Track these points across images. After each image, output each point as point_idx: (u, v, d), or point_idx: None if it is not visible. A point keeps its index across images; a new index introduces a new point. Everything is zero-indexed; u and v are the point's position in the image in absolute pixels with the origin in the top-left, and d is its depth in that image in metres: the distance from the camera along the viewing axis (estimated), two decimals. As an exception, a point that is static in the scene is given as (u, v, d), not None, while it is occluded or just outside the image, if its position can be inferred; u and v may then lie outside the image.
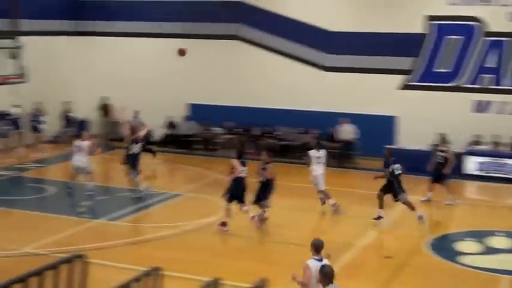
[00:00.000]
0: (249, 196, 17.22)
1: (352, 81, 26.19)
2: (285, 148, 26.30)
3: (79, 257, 5.14)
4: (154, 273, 6.61)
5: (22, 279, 4.31)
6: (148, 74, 29.09)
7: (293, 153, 25.88)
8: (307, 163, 19.15)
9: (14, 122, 26.23)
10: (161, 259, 12.75)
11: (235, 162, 16.98)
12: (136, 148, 19.89)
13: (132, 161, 19.90)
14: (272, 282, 10.24)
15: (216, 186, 21.63)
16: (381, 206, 17.68)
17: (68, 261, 4.88)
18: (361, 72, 26.16)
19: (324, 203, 18.93)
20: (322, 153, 18.94)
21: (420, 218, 17.44)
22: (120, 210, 18.62)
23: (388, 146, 22.81)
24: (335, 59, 26.66)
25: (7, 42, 21.35)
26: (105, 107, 28.79)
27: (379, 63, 25.95)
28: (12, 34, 21.63)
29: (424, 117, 25.05)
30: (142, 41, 29.28)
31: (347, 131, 25.39)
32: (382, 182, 17.91)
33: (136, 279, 5.71)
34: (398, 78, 25.79)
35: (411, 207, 17.61)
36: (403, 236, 17.08)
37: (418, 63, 25.65)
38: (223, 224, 16.77)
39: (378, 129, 25.23)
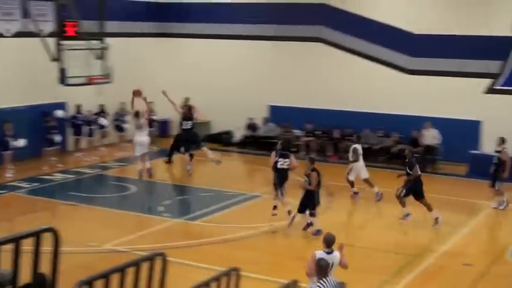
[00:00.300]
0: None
1: (436, 85, 25.68)
2: (365, 151, 25.97)
3: (160, 255, 5.19)
4: (233, 273, 6.63)
5: (104, 275, 4.38)
6: (230, 75, 29.30)
7: (373, 156, 25.59)
8: (355, 159, 20.42)
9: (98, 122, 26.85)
10: (239, 259, 12.80)
11: (273, 154, 17.77)
12: (188, 124, 22.45)
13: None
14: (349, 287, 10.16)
15: (294, 188, 21.61)
16: (404, 205, 17.89)
17: (149, 258, 4.94)
18: (445, 76, 25.61)
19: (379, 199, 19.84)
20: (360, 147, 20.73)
21: (436, 220, 17.49)
22: (199, 210, 18.81)
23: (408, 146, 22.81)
24: (419, 62, 26.20)
25: (94, 43, 21.87)
26: (186, 107, 29.07)
27: (464, 66, 25.36)
28: (98, 35, 22.15)
29: (510, 122, 24.30)
30: (224, 42, 29.51)
31: (431, 136, 24.92)
32: (402, 181, 18.03)
33: (216, 279, 5.74)
34: (484, 82, 25.12)
35: (429, 208, 17.70)
36: (486, 243, 16.68)
37: (505, 67, 24.95)
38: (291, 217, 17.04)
39: (461, 134, 24.63)
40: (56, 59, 20.47)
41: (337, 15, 27.43)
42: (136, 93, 21.88)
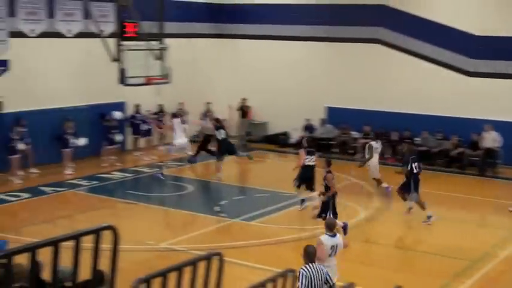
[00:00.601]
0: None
1: (497, 87, 25.17)
2: (424, 154, 25.66)
3: (216, 254, 5.21)
4: (289, 274, 6.61)
5: (162, 274, 4.41)
6: (288, 76, 29.27)
7: (432, 159, 25.27)
8: (370, 156, 20.74)
9: (158, 121, 27.13)
10: (294, 261, 12.77)
11: (301, 152, 18.55)
12: (222, 134, 22.45)
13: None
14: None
15: (351, 190, 21.49)
16: (423, 208, 18.02)
17: (206, 258, 4.96)
18: (507, 78, 25.09)
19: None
20: (379, 144, 21.28)
21: (428, 217, 17.64)
22: (255, 211, 18.84)
23: (408, 142, 22.68)
24: (479, 64, 25.74)
25: (153, 44, 22.14)
26: (244, 108, 29.24)
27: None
28: (158, 36, 22.41)
29: None
30: (282, 43, 29.51)
31: (491, 138, 24.40)
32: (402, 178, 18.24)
33: (272, 280, 5.73)
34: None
35: (422, 207, 17.89)
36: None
37: None
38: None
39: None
40: (116, 59, 20.77)
41: (395, 16, 27.14)
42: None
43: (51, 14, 23.61)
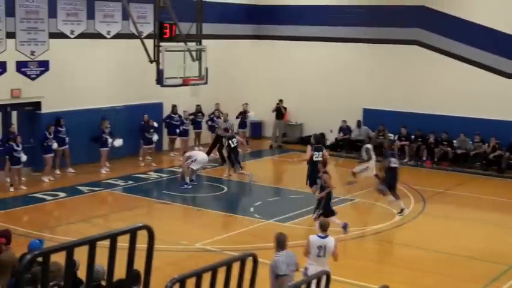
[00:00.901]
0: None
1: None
2: (460, 157, 25.44)
3: (251, 255, 5.22)
4: (323, 276, 6.61)
5: (196, 274, 4.44)
6: (324, 77, 29.18)
7: (469, 162, 25.03)
8: (368, 158, 21.29)
9: (194, 122, 27.25)
10: (328, 263, 12.75)
11: (308, 148, 19.01)
12: (234, 142, 22.45)
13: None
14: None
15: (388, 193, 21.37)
16: (397, 198, 18.48)
17: (240, 259, 4.97)
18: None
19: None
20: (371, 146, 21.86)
21: (401, 210, 18.26)
22: (289, 212, 18.82)
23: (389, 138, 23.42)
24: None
25: (191, 45, 22.28)
26: (280, 110, 29.25)
27: None
28: (196, 37, 22.55)
29: None
30: (320, 45, 29.41)
31: None
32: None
33: (306, 282, 5.73)
34: None
35: (397, 198, 18.46)
36: None
37: None
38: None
39: None
40: (154, 60, 20.93)
41: (435, 18, 26.89)
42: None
43: (91, 15, 23.90)
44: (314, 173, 18.05)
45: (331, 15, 29.10)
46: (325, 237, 11.35)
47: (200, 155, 22.21)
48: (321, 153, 18.72)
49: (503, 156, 24.54)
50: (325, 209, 16.23)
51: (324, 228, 11.45)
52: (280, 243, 10.47)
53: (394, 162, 18.76)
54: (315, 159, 18.48)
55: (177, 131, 26.52)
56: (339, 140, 28.22)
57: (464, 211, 19.56)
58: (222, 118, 26.45)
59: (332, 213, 16.28)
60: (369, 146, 21.84)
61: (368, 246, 16.22)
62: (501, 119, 25.06)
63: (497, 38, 25.57)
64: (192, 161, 21.47)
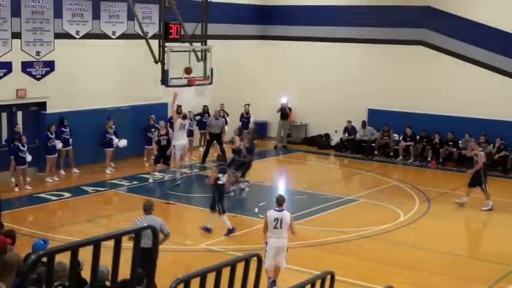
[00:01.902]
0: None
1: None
2: (465, 158, 25.36)
3: (255, 256, 5.23)
4: (328, 277, 6.59)
5: (201, 274, 4.45)
6: (329, 78, 29.17)
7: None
8: None
9: (199, 122, 27.24)
10: (333, 263, 12.78)
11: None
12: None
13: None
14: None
15: (392, 193, 21.37)
16: None
17: (244, 259, 4.98)
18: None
19: None
20: None
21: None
22: (294, 213, 18.78)
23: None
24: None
25: (196, 45, 22.29)
26: (285, 110, 29.25)
27: None
28: (201, 38, 22.56)
29: None
30: (326, 45, 29.39)
31: None
32: None
33: (310, 282, 5.72)
34: None
35: None
36: None
37: None
38: None
39: None
40: (159, 60, 20.94)
41: (441, 18, 26.85)
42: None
43: (96, 16, 23.93)
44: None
45: (337, 15, 29.08)
46: (281, 210, 12.92)
47: (179, 141, 22.16)
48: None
49: (508, 156, 24.51)
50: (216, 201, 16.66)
51: (279, 202, 13.04)
52: (145, 208, 12.15)
53: None
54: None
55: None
56: (344, 140, 28.19)
57: (469, 212, 19.52)
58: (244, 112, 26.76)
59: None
60: None
61: (373, 246, 16.20)
62: (506, 120, 25.02)
63: (503, 39, 25.52)
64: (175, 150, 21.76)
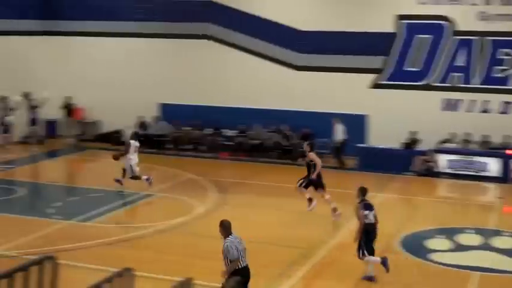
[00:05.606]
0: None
1: (324, 81, 26.24)
2: (256, 147, 26.29)
3: (49, 258, 5.08)
4: (126, 273, 6.57)
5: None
6: (120, 74, 28.89)
7: (264, 152, 25.97)
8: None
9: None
10: (132, 259, 12.69)
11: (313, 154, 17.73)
12: None
13: None
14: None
15: (187, 186, 21.61)
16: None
17: (38, 262, 4.82)
18: (332, 72, 26.24)
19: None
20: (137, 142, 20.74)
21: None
22: (90, 211, 18.46)
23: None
24: (306, 58, 26.72)
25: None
26: (69, 107, 28.66)
27: (350, 62, 26.06)
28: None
29: (395, 116, 25.13)
30: (114, 40, 29.09)
31: (339, 131, 24.88)
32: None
33: (108, 280, 5.67)
34: (369, 77, 25.92)
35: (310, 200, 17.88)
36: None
37: (388, 62, 25.81)
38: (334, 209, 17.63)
39: (350, 128, 25.04)
40: None
41: (224, 13, 27.60)
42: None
43: None
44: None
45: (123, 9, 28.96)
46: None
47: None
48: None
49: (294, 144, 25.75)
50: None
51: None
52: (226, 228, 10.90)
53: None
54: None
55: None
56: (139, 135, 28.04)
57: (261, 199, 20.18)
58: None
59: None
60: (132, 141, 20.75)
61: (171, 240, 16.28)
62: (293, 109, 26.30)
63: (282, 32, 26.81)
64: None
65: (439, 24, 25.20)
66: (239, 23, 27.50)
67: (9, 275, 4.40)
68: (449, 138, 24.67)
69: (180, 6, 28.10)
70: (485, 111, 24.87)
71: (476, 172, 23.53)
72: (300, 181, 17.84)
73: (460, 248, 15.96)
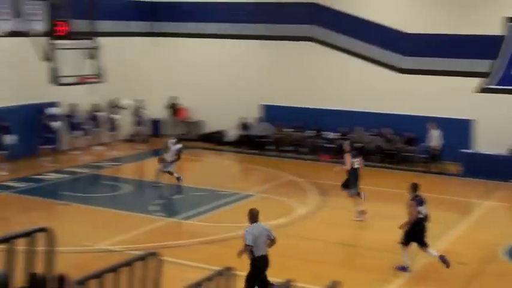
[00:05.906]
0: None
1: (428, 84, 25.71)
2: (359, 149, 25.96)
3: (153, 254, 5.18)
4: (226, 272, 6.63)
5: (98, 275, 4.37)
6: (223, 75, 29.27)
7: (366, 155, 25.65)
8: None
9: (93, 120, 26.84)
10: (233, 259, 12.78)
11: (347, 155, 18.00)
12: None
13: None
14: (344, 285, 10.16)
15: (288, 187, 21.64)
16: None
17: (142, 258, 4.93)
18: (437, 75, 25.65)
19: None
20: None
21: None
22: (193, 210, 18.78)
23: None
24: (410, 60, 26.23)
25: (86, 42, 21.82)
26: (173, 107, 29.27)
27: (455, 65, 25.40)
28: (90, 35, 22.11)
29: (503, 121, 24.28)
30: (217, 42, 29.47)
31: (436, 136, 24.15)
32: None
33: (209, 278, 5.73)
34: (475, 81, 25.14)
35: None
36: (479, 241, 16.65)
37: (496, 65, 25.00)
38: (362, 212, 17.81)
39: (454, 133, 24.42)
40: (48, 58, 20.39)
41: (327, 14, 27.46)
42: None
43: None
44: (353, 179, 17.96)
45: (230, 12, 29.23)
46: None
47: None
48: (358, 159, 18.19)
49: (403, 148, 25.34)
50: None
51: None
52: (254, 215, 11.71)
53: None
54: (355, 166, 17.97)
55: (77, 129, 26.09)
56: (241, 136, 28.36)
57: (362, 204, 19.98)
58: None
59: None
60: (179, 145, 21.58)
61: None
62: (395, 113, 25.84)
63: (387, 34, 26.37)
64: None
65: (551, 26, 24.25)
66: (342, 24, 27.30)
67: (114, 270, 4.52)
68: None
69: (284, 9, 28.17)
70: None
71: None
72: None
73: None
